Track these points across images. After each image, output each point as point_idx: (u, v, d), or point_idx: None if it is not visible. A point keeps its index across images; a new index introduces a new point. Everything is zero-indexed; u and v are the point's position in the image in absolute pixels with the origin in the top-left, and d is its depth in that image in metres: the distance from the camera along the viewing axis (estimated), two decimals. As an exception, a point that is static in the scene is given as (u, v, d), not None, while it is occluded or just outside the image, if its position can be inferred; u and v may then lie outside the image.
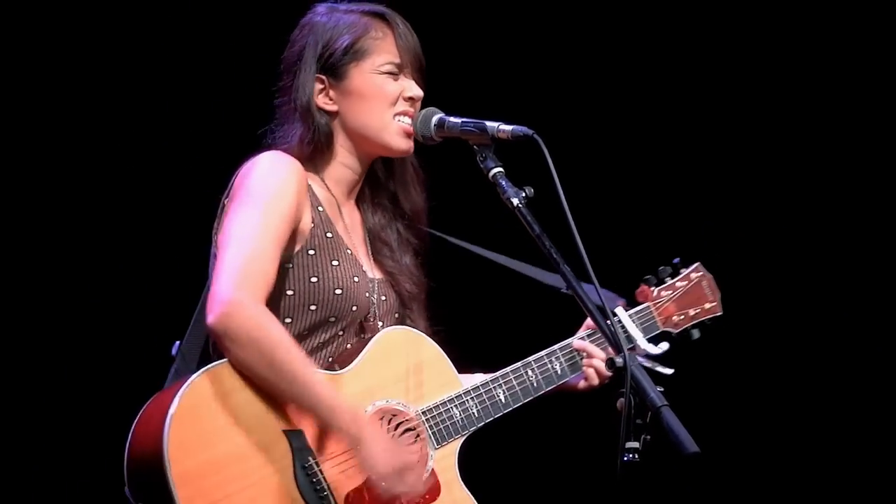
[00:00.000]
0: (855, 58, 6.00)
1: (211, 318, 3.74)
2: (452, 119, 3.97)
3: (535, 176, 3.69)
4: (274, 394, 3.77)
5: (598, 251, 3.61)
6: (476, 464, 4.01)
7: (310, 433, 3.80)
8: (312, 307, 3.97)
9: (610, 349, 3.63)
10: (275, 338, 3.75)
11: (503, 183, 3.78)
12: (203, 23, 5.59)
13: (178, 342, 3.93)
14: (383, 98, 4.04)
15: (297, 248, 3.97)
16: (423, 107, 4.07)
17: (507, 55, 5.94)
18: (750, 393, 6.05)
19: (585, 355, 4.15)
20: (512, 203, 3.75)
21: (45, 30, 5.47)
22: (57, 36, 5.48)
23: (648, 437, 3.45)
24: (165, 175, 5.56)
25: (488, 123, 3.85)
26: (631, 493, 3.43)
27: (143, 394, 3.81)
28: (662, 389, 3.48)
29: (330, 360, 3.98)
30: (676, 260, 4.37)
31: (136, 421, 3.76)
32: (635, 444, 3.45)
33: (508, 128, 3.82)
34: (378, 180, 4.18)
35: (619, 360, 3.52)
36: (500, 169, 3.81)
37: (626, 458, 3.45)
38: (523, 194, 3.75)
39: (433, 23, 4.26)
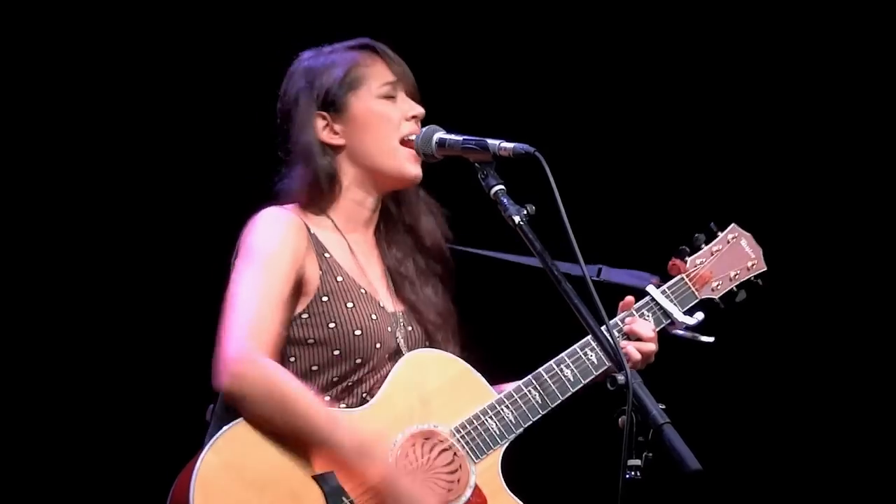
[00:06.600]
0: (855, 58, 6.00)
1: (224, 380, 3.75)
2: (453, 137, 3.96)
3: (536, 191, 3.69)
4: (297, 443, 3.77)
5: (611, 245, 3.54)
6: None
7: (341, 474, 3.79)
8: (336, 352, 3.97)
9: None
10: (289, 388, 3.77)
11: (504, 200, 3.78)
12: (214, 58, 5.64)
13: (211, 406, 3.91)
14: (386, 121, 4.06)
15: (310, 298, 3.98)
16: (423, 124, 4.08)
17: (505, 71, 5.94)
18: (754, 408, 6.04)
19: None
20: (513, 221, 3.74)
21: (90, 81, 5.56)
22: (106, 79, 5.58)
23: (650, 454, 3.45)
24: (195, 229, 5.55)
25: (490, 141, 3.85)
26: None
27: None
28: (664, 407, 3.48)
29: (364, 396, 3.98)
30: (712, 224, 4.33)
31: None
32: (637, 462, 3.45)
33: (510, 145, 3.81)
34: (391, 216, 4.18)
35: (620, 378, 3.52)
36: (502, 186, 3.80)
37: (627, 476, 3.44)
38: (525, 212, 3.75)
39: (427, 40, 4.26)
